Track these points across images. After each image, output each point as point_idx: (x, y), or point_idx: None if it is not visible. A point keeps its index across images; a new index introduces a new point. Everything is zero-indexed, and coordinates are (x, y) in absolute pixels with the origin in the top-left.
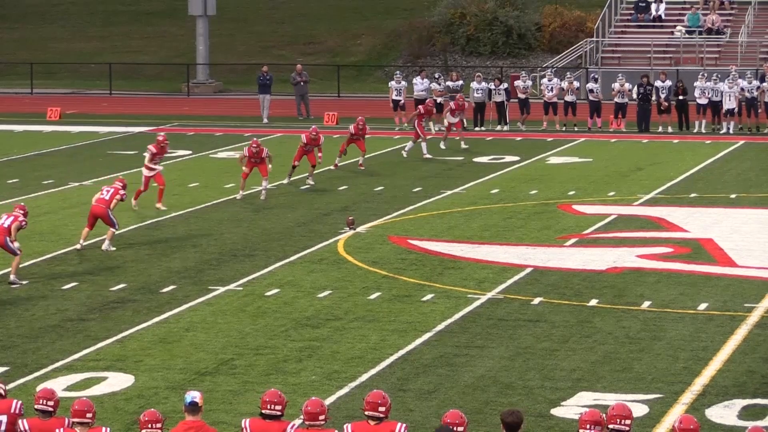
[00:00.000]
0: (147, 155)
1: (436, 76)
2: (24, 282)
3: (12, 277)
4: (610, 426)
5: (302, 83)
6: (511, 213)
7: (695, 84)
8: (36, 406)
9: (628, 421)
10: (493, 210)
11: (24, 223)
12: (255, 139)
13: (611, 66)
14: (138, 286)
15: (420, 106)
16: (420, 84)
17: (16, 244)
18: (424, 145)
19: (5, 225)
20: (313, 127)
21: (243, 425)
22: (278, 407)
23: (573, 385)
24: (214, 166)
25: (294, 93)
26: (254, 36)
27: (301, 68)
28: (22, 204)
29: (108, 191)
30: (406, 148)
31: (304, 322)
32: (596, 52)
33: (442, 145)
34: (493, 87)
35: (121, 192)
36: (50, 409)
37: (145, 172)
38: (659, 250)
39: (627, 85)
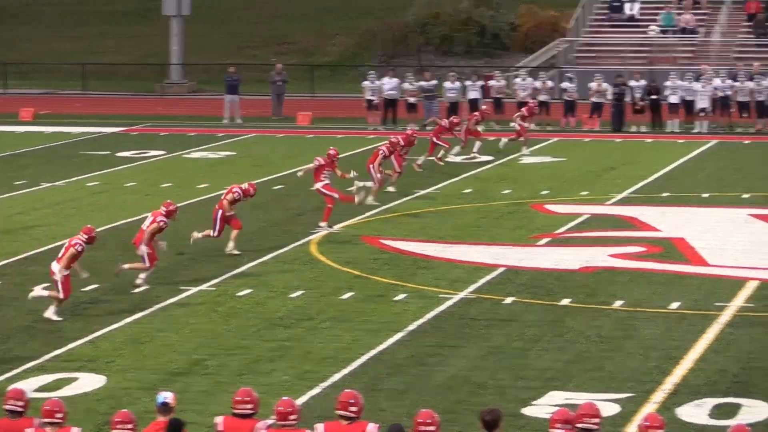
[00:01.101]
0: (314, 164)
1: (409, 75)
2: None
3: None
4: (579, 425)
5: (281, 83)
6: (484, 213)
7: (667, 83)
8: (5, 407)
9: (596, 420)
10: (466, 210)
11: (163, 223)
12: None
13: (585, 66)
14: (110, 287)
15: (476, 112)
16: (389, 83)
17: (143, 249)
18: (478, 144)
19: (144, 227)
20: (411, 128)
21: (216, 423)
22: (249, 406)
23: (544, 384)
24: (187, 167)
25: (271, 92)
26: (229, 36)
27: (281, 68)
28: (169, 201)
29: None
30: (475, 149)
31: (277, 323)
32: (570, 52)
33: (524, 150)
34: (469, 83)
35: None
36: (20, 409)
37: (319, 185)
38: (632, 249)
39: (605, 86)
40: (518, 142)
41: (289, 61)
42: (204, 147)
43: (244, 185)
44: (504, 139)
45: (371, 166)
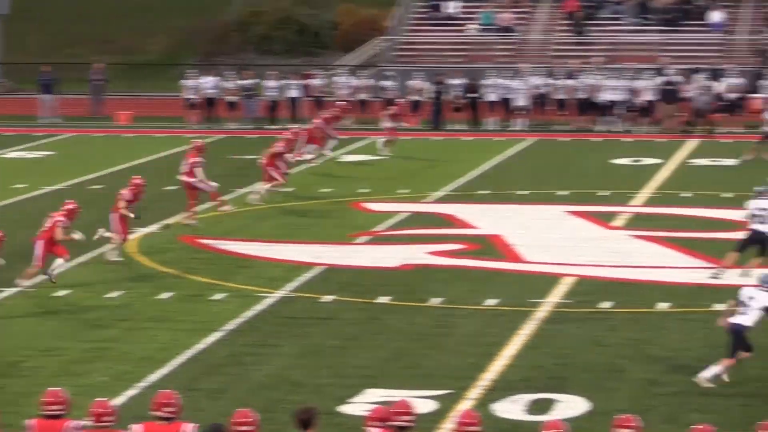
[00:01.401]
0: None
1: (229, 74)
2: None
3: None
4: (393, 423)
5: (100, 82)
6: (303, 211)
7: (486, 81)
8: None
9: (409, 417)
10: (285, 208)
11: (63, 222)
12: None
13: (406, 64)
14: None
15: (328, 112)
16: (208, 82)
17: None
18: (333, 142)
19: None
20: (295, 127)
21: (28, 426)
22: (57, 407)
23: (362, 382)
24: (4, 166)
25: (89, 91)
26: (49, 35)
27: (101, 66)
28: (71, 201)
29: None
30: (329, 148)
31: (95, 323)
32: (390, 50)
33: (382, 146)
34: (291, 81)
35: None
36: None
37: (186, 177)
38: (450, 246)
39: (425, 84)
40: (390, 141)
41: (109, 60)
42: (21, 147)
43: (133, 183)
44: (380, 140)
45: (268, 167)
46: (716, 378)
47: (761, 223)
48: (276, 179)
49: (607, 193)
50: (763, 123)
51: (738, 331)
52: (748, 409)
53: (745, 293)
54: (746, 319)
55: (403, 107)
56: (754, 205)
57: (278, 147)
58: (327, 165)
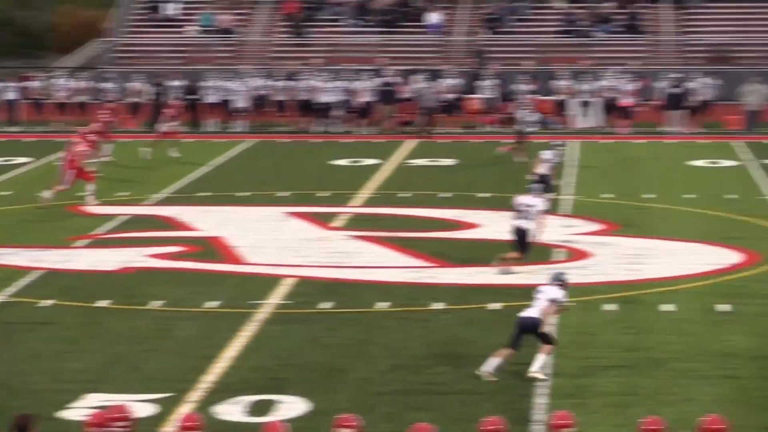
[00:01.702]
0: None
1: None
2: None
3: None
4: (110, 428)
5: None
6: (21, 215)
7: (206, 83)
8: None
9: (125, 423)
10: (2, 212)
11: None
12: None
13: (125, 66)
14: None
15: (106, 114)
16: None
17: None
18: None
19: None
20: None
21: None
22: None
23: (82, 387)
24: None
25: None
26: None
27: None
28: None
29: None
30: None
31: None
32: (109, 52)
33: (148, 155)
34: (9, 83)
35: None
36: None
37: None
38: (170, 249)
39: (145, 86)
40: (167, 143)
41: None
42: None
43: None
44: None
45: (70, 170)
46: (498, 369)
47: (525, 218)
48: (65, 183)
49: (326, 194)
50: (515, 122)
51: (530, 325)
52: (467, 407)
53: (537, 289)
54: (534, 311)
55: (178, 108)
56: (521, 200)
57: (81, 149)
58: (46, 168)
